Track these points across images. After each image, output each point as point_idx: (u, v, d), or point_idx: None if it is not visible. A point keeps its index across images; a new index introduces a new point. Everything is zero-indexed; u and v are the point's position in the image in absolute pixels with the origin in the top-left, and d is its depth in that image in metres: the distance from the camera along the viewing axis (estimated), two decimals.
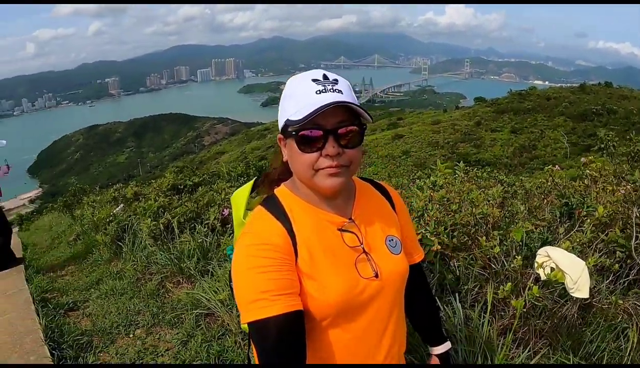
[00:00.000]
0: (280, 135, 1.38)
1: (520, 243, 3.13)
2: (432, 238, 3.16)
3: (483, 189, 4.33)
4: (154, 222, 6.12)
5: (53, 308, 5.06)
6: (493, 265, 3.08)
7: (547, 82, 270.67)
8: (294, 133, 1.27)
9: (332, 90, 1.27)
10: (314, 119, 1.22)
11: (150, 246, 6.12)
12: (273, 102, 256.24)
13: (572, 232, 3.33)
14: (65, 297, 5.67)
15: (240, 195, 1.60)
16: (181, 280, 5.27)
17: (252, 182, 1.61)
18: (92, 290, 5.77)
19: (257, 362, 1.32)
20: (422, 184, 5.08)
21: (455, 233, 3.45)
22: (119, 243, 6.97)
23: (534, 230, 3.33)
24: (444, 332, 1.79)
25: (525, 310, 2.63)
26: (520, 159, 46.53)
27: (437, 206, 3.85)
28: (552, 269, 2.06)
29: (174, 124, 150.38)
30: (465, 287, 3.16)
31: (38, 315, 4.55)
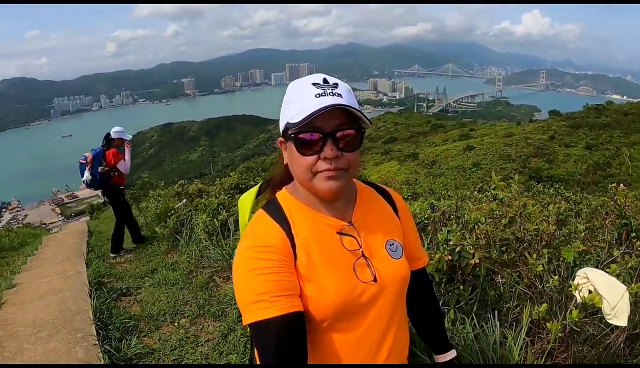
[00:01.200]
0: (280, 139, 1.39)
1: (572, 264, 2.98)
2: (471, 251, 3.05)
3: (544, 205, 4.17)
4: (209, 219, 6.30)
5: (107, 292, 5.34)
6: (537, 285, 2.96)
7: (625, 97, 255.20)
8: (293, 136, 1.28)
9: (331, 94, 1.27)
10: (312, 121, 1.23)
11: (205, 241, 6.30)
12: None
13: (624, 256, 3.12)
14: (120, 282, 5.94)
15: (246, 199, 1.61)
16: (230, 276, 5.37)
17: (258, 186, 1.61)
18: (147, 278, 6.03)
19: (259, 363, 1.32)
20: (481, 196, 4.99)
21: (503, 249, 3.33)
22: (177, 236, 7.22)
23: (591, 251, 3.17)
24: (449, 341, 1.74)
25: (564, 334, 2.48)
26: (593, 176, 44.33)
27: (488, 219, 3.75)
28: (589, 292, 1.95)
29: (246, 125, 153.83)
30: (507, 306, 3.07)
31: (90, 296, 4.79)
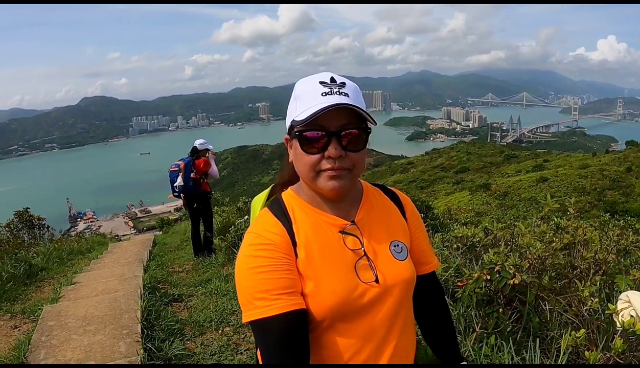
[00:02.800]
0: (286, 136, 1.39)
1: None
2: (511, 271, 2.93)
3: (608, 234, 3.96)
4: None
5: (160, 296, 5.54)
6: (583, 312, 2.81)
7: None
8: (298, 133, 1.29)
9: (338, 93, 1.27)
10: (318, 120, 1.23)
11: None
12: (419, 136, 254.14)
13: None
14: (174, 289, 6.15)
15: (258, 201, 1.63)
16: None
17: (270, 187, 1.62)
18: (200, 287, 6.22)
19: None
20: (537, 221, 4.79)
21: (553, 274, 3.18)
22: (234, 250, 7.34)
23: None
24: (460, 351, 1.68)
25: (605, 363, 2.29)
26: None
27: (541, 244, 3.60)
28: (631, 316, 1.80)
29: None
30: (551, 334, 2.93)
31: (141, 298, 4.93)
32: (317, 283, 1.28)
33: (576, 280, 3.02)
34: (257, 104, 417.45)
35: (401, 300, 1.41)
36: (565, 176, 49.11)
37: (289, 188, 1.47)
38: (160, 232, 19.79)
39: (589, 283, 2.94)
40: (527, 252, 3.62)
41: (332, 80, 1.30)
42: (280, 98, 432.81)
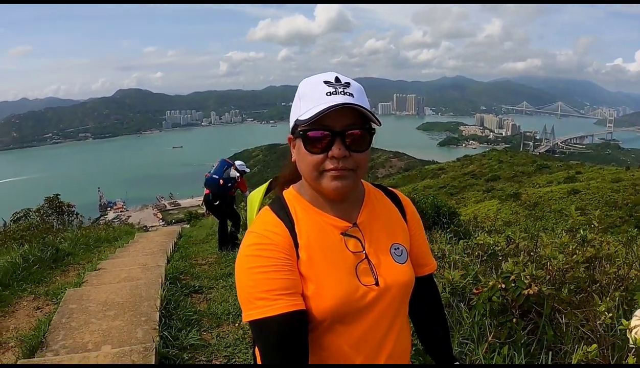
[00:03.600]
0: (289, 136, 1.39)
1: None
2: (526, 281, 2.92)
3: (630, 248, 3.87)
4: None
5: (180, 287, 5.65)
6: (600, 329, 2.76)
7: None
8: (301, 133, 1.28)
9: (342, 93, 1.27)
10: (322, 120, 1.23)
11: None
12: (451, 142, 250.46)
13: None
14: (196, 281, 6.24)
15: (255, 196, 1.62)
16: None
17: (267, 183, 1.62)
18: (221, 280, 6.31)
19: (259, 362, 1.33)
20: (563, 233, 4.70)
21: (572, 287, 3.12)
22: None
23: None
24: (453, 352, 1.70)
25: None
26: None
27: (563, 256, 3.54)
28: None
29: None
30: (565, 348, 2.90)
31: (162, 287, 5.00)
32: (318, 285, 1.28)
33: (595, 295, 2.97)
34: (290, 103, 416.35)
35: (400, 303, 1.42)
36: (597, 189, 47.95)
37: (291, 186, 1.47)
38: (188, 225, 20.12)
39: (608, 298, 2.88)
40: (548, 263, 3.58)
41: (337, 80, 1.31)
42: None
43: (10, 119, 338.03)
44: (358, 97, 1.29)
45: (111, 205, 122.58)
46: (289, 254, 1.27)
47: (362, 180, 1.49)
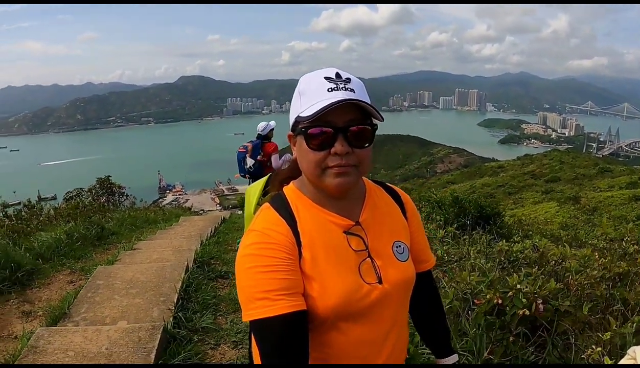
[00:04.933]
0: (290, 132, 1.39)
1: None
2: (523, 300, 2.87)
3: None
4: None
5: (207, 271, 5.80)
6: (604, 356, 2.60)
7: None
8: (303, 130, 1.28)
9: (344, 89, 1.27)
10: (324, 116, 1.23)
11: None
12: (512, 140, 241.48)
13: None
14: (224, 266, 6.42)
15: (253, 191, 1.64)
16: None
17: (266, 178, 1.65)
18: None
19: (258, 362, 1.33)
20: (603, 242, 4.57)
21: (590, 305, 3.03)
22: None
23: None
24: (451, 346, 1.73)
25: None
26: None
27: (590, 270, 3.45)
28: None
29: (409, 146, 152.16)
30: None
31: (186, 270, 5.23)
32: (321, 284, 1.29)
33: (610, 317, 2.85)
34: None
35: (401, 300, 1.45)
36: None
37: (291, 183, 1.47)
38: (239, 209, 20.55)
39: (630, 322, 2.77)
40: (570, 278, 3.48)
41: (338, 75, 1.30)
42: (374, 90, 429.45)
43: (75, 102, 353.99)
44: (359, 92, 1.30)
45: (170, 188, 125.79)
46: (291, 253, 1.28)
47: (362, 177, 1.47)
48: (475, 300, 3.16)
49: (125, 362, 3.25)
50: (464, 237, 5.83)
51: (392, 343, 1.42)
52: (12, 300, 4.69)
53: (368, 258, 1.37)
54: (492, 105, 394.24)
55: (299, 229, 1.32)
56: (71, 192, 12.12)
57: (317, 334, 1.32)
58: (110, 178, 12.75)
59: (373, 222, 1.44)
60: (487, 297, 2.96)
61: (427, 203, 8.37)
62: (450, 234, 5.98)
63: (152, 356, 3.32)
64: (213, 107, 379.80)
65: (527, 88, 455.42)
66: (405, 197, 1.61)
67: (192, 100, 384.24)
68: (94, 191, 12.19)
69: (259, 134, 8.57)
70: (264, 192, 1.62)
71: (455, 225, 6.56)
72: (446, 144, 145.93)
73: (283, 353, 1.19)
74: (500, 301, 2.93)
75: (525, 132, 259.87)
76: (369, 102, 1.29)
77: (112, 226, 8.70)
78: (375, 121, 1.33)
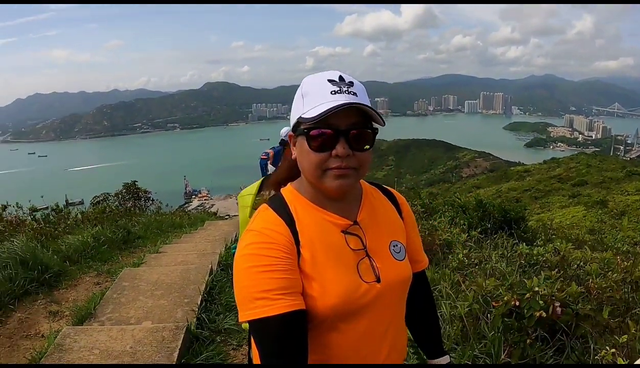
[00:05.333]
0: (290, 133, 1.41)
1: None
2: (541, 302, 2.85)
3: None
4: None
5: (231, 274, 5.83)
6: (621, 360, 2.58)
7: None
8: (305, 131, 1.30)
9: (347, 92, 1.29)
10: (327, 118, 1.25)
11: None
12: (538, 143, 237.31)
13: None
14: None
15: (247, 195, 1.68)
16: None
17: (259, 181, 1.67)
18: None
19: (257, 362, 1.35)
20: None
21: (610, 309, 3.00)
22: None
23: None
24: (444, 348, 1.74)
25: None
26: None
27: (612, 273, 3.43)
28: None
29: (434, 151, 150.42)
30: None
31: (210, 273, 5.32)
32: (321, 283, 1.29)
33: (630, 321, 2.82)
34: (375, 99, 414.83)
35: (399, 299, 1.47)
36: None
37: (289, 184, 1.48)
38: None
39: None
40: (590, 281, 3.46)
41: (341, 79, 1.32)
42: (399, 94, 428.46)
43: (102, 108, 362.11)
44: (361, 96, 1.31)
45: (196, 193, 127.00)
46: (289, 253, 1.29)
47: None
48: (493, 303, 3.15)
49: (149, 360, 3.34)
50: (487, 240, 5.81)
51: (390, 342, 1.44)
52: (39, 301, 4.83)
53: (366, 258, 1.39)
54: (518, 109, 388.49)
55: (297, 228, 1.34)
56: (98, 197, 12.38)
57: (317, 334, 1.33)
58: (136, 183, 12.97)
59: (370, 221, 1.46)
60: (505, 299, 2.94)
61: (451, 208, 8.35)
62: (473, 238, 5.96)
63: (175, 355, 3.41)
64: (238, 113, 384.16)
65: (552, 90, 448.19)
66: (400, 197, 1.64)
67: (217, 106, 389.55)
68: (120, 196, 12.41)
69: (282, 139, 8.59)
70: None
71: (479, 229, 6.54)
72: (472, 148, 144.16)
73: (282, 353, 1.20)
74: (517, 303, 2.93)
75: (551, 135, 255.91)
76: (371, 106, 1.31)
77: (138, 230, 8.85)
78: (376, 125, 1.35)
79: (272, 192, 1.54)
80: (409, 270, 1.48)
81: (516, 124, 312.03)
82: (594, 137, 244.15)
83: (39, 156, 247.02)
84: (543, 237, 6.87)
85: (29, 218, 8.80)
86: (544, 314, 2.82)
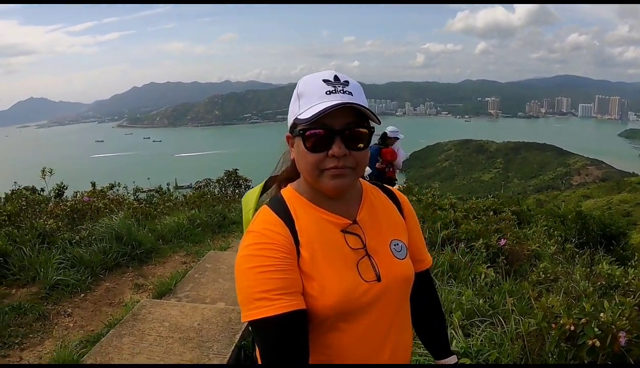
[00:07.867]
0: (288, 134, 1.42)
1: None
2: (597, 331, 2.64)
3: None
4: None
5: None
6: None
7: None
8: (301, 132, 1.31)
9: (342, 92, 1.31)
10: (322, 119, 1.26)
11: None
12: None
13: None
14: None
15: (251, 196, 1.65)
16: None
17: (263, 183, 1.66)
18: None
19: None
20: None
21: None
22: None
23: None
24: (450, 347, 1.73)
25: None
26: None
27: None
28: None
29: (544, 155, 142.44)
30: None
31: None
32: (320, 283, 1.31)
33: None
34: (486, 98, 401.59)
35: (401, 298, 1.47)
36: None
37: (289, 185, 1.50)
38: None
39: None
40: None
41: (336, 78, 1.34)
42: (511, 94, 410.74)
43: (213, 98, 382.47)
44: (357, 95, 1.33)
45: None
46: (289, 253, 1.30)
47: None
48: (553, 324, 2.96)
49: (212, 338, 3.60)
50: (582, 255, 5.49)
51: (393, 342, 1.43)
52: (128, 273, 5.33)
53: (366, 257, 1.39)
54: (635, 115, 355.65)
55: (296, 228, 1.35)
56: (201, 182, 12.90)
57: (318, 334, 1.34)
58: (237, 171, 13.34)
59: (370, 220, 1.47)
60: (561, 321, 2.77)
61: (550, 217, 7.96)
62: (568, 251, 5.67)
63: (237, 337, 3.62)
64: None
65: None
66: (401, 197, 1.64)
67: None
68: (221, 182, 12.84)
69: (384, 133, 8.41)
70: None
71: (575, 242, 6.20)
72: (583, 154, 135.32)
73: (283, 353, 1.22)
74: (573, 328, 2.74)
75: None
76: (367, 105, 1.33)
77: (234, 216, 9.16)
78: (372, 124, 1.36)
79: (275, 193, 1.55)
80: (410, 269, 1.49)
81: (632, 131, 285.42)
82: None
83: (153, 141, 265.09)
84: (637, 258, 6.32)
85: (132, 197, 9.42)
86: (597, 343, 2.60)
